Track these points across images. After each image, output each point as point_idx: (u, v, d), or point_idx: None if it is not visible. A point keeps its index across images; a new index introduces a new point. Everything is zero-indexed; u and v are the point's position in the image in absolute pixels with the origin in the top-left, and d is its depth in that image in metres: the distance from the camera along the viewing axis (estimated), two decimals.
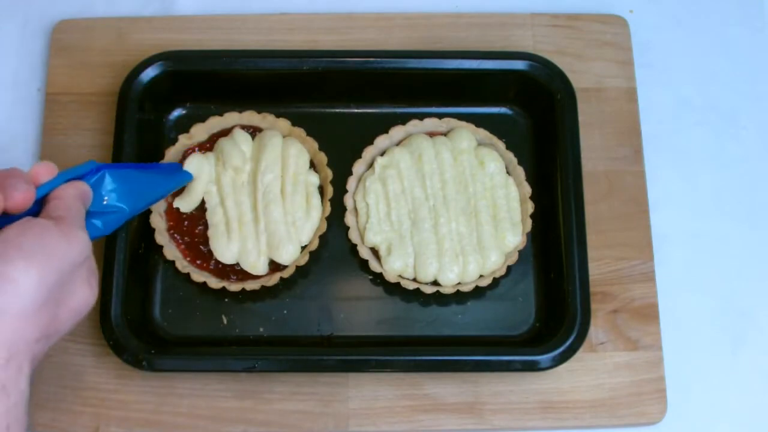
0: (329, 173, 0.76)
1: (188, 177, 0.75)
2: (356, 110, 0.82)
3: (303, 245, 0.75)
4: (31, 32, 0.85)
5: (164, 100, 0.80)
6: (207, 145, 0.78)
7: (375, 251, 0.76)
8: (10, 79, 0.84)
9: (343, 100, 0.81)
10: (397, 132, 0.79)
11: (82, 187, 0.59)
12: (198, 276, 0.74)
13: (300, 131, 0.78)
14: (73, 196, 0.58)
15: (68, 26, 0.84)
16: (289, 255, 0.74)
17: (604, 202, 0.79)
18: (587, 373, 0.74)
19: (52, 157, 0.79)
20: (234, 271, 0.75)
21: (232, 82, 0.80)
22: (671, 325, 0.77)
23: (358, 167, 0.78)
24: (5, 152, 0.81)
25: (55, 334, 0.53)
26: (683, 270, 0.79)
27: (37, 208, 0.57)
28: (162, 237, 0.75)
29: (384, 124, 0.79)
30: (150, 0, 0.86)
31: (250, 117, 0.79)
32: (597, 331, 0.75)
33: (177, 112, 0.81)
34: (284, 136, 0.78)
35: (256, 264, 0.74)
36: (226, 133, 0.79)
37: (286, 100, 0.80)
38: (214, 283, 0.74)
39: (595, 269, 0.76)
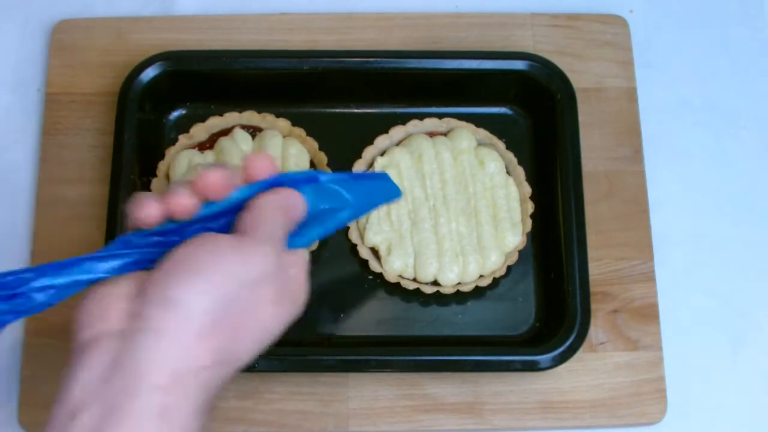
0: None
1: (397, 192, 0.66)
2: (356, 110, 0.82)
3: None
4: (31, 32, 0.85)
5: (164, 100, 0.80)
6: (207, 145, 0.78)
7: (375, 251, 0.76)
8: (10, 79, 0.84)
9: (343, 100, 0.81)
10: (397, 132, 0.79)
11: (289, 198, 0.50)
12: None
13: (300, 131, 0.78)
14: (273, 207, 0.49)
15: (68, 26, 0.84)
16: None
17: (604, 202, 0.79)
18: (587, 373, 0.74)
19: (52, 157, 0.79)
20: None
21: (232, 82, 0.80)
22: (671, 325, 0.76)
23: (358, 167, 0.78)
24: (5, 152, 0.81)
25: (233, 361, 0.47)
26: (683, 270, 0.79)
27: (231, 218, 0.49)
28: None
29: (384, 124, 0.79)
30: (150, 0, 0.86)
31: (250, 117, 0.79)
32: (597, 331, 0.75)
33: (177, 112, 0.81)
34: (284, 136, 0.78)
35: None
36: (226, 133, 0.78)
37: (286, 100, 0.80)
38: None
39: (595, 269, 0.76)
